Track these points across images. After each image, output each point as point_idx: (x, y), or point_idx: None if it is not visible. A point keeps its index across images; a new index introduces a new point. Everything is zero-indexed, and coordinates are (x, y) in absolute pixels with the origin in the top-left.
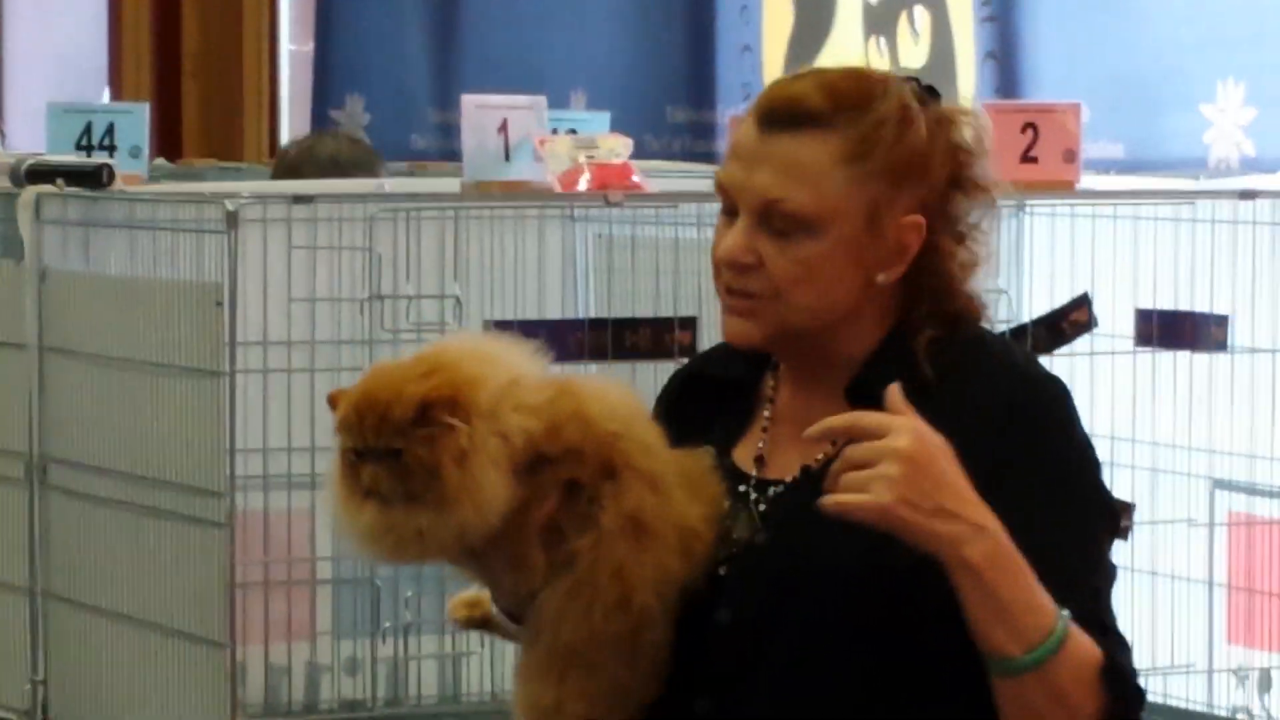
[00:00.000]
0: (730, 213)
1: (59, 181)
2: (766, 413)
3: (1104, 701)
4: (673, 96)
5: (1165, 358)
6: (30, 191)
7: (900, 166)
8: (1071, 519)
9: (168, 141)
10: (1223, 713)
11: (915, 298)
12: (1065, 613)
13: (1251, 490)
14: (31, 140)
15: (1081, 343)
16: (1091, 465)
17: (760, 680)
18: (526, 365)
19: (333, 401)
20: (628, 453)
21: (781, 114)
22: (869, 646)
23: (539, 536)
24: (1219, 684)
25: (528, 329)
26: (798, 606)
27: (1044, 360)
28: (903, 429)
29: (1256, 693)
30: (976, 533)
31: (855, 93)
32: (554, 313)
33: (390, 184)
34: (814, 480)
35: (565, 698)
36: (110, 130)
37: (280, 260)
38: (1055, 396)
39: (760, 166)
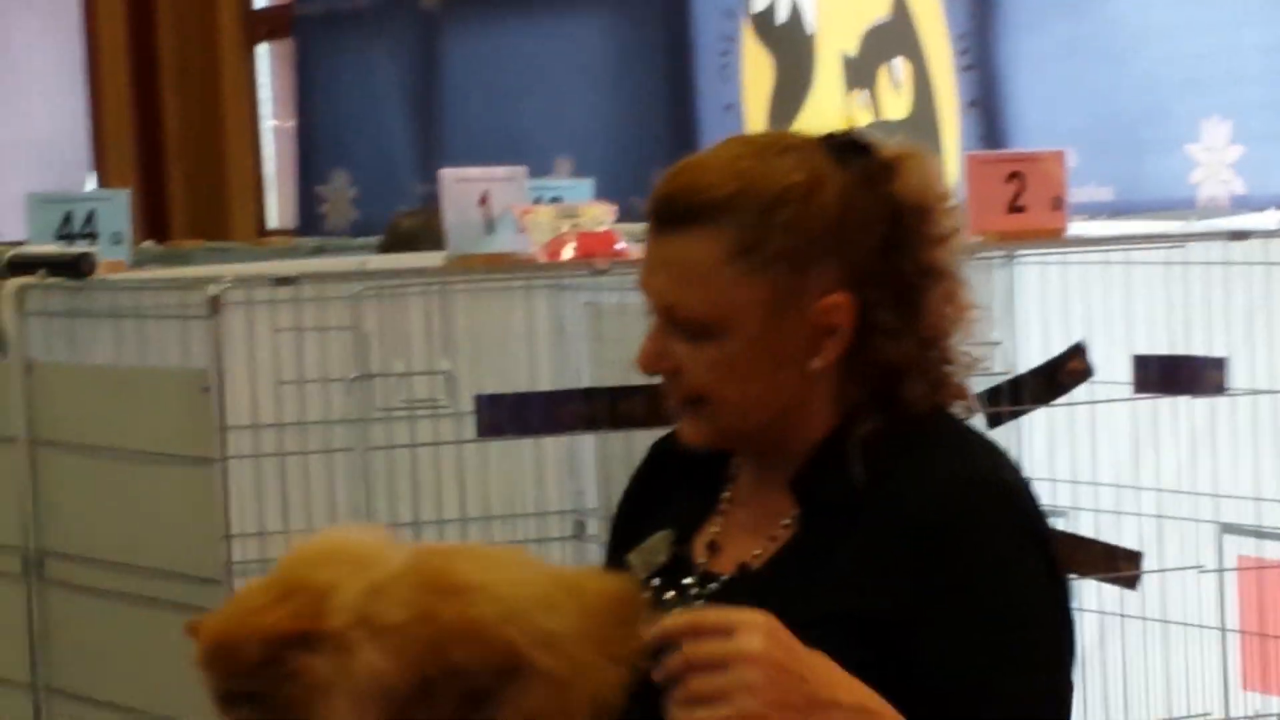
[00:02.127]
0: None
1: (41, 272)
2: (726, 495)
3: None
4: (657, 158)
5: (1165, 403)
6: (12, 284)
7: (805, 246)
8: (998, 650)
9: (155, 224)
10: None
11: (859, 381)
12: None
13: (1259, 534)
14: (15, 231)
15: (1080, 391)
16: (1033, 586)
17: None
18: (388, 558)
19: (193, 634)
20: (525, 655)
21: (667, 213)
22: None
23: None
24: None
25: (520, 401)
26: None
27: (1042, 412)
28: (750, 627)
29: None
30: (856, 716)
31: (748, 172)
32: (545, 384)
33: (374, 261)
34: (749, 580)
35: None
36: (91, 218)
37: (266, 343)
38: (996, 506)
39: (657, 269)
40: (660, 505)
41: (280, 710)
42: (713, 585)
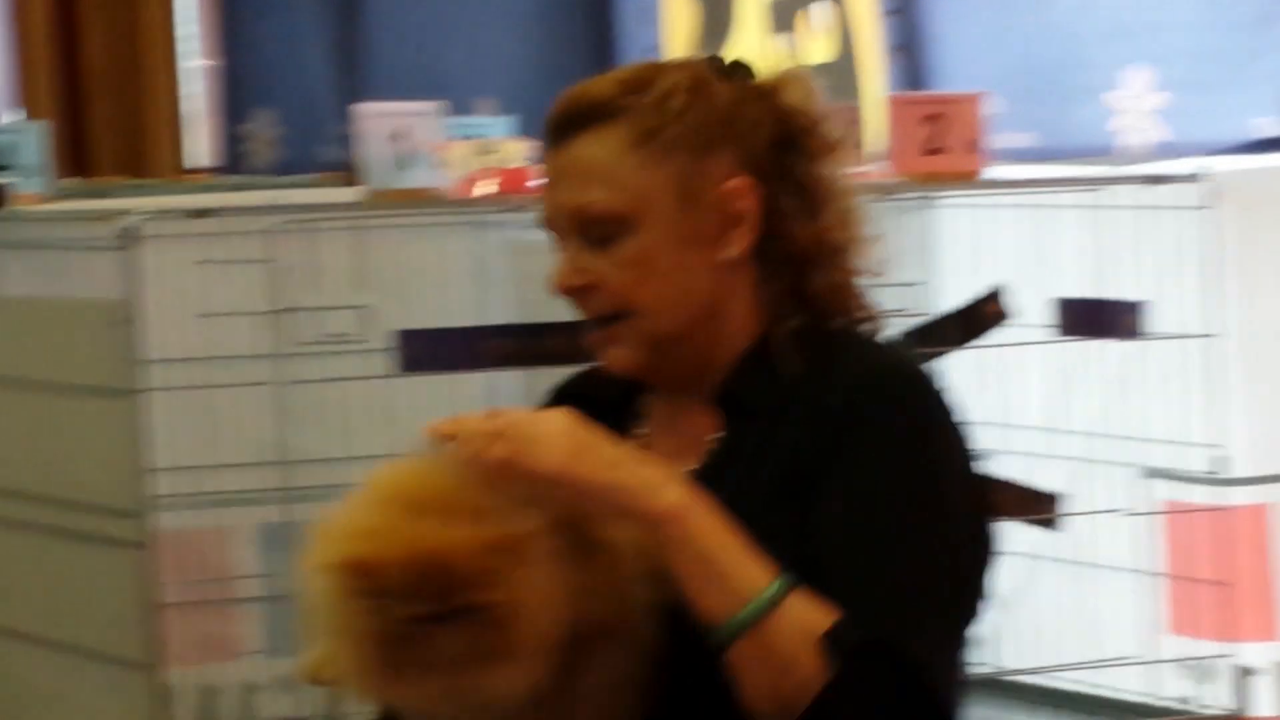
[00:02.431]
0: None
1: None
2: (640, 431)
3: (821, 666)
4: None
5: (1087, 346)
6: None
7: (700, 133)
8: (894, 535)
9: (79, 160)
10: (1166, 701)
11: (774, 274)
12: (784, 577)
13: (1182, 477)
14: None
15: (999, 334)
16: (942, 482)
17: None
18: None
19: (361, 569)
20: (631, 626)
21: (563, 121)
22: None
23: None
24: (1157, 673)
25: (438, 337)
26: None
27: (962, 354)
28: (543, 415)
29: (1194, 679)
30: (667, 479)
31: (633, 78)
32: (462, 319)
33: (291, 195)
34: None
35: None
36: (8, 150)
37: (183, 276)
38: (904, 388)
39: (560, 182)
40: None
41: (496, 624)
42: None
